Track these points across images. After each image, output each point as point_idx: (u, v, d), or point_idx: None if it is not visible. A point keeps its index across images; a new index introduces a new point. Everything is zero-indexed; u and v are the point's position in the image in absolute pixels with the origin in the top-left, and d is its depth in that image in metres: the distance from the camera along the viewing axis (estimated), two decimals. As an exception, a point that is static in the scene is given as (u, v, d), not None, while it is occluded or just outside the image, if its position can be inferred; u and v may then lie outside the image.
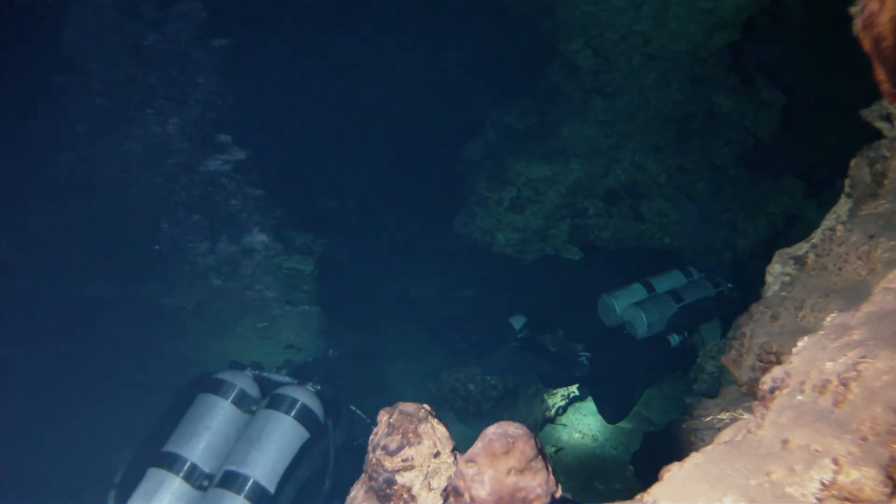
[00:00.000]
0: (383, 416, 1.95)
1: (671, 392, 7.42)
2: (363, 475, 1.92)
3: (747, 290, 6.92)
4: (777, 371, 1.58)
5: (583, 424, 7.54)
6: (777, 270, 2.93)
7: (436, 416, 1.97)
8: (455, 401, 7.48)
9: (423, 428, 1.86)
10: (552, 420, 7.60)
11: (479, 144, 8.95)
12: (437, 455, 1.85)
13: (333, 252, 9.05)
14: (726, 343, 2.42)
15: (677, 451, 2.45)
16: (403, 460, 1.84)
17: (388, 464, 1.83)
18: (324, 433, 4.02)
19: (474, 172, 8.87)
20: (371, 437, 1.94)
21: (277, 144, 8.24)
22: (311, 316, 8.55)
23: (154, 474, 3.70)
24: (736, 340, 2.32)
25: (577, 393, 7.64)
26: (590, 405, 7.72)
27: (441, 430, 1.90)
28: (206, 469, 3.76)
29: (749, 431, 1.51)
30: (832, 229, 2.45)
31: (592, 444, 7.25)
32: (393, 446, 1.85)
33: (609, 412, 6.74)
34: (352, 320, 8.65)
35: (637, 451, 2.71)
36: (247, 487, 3.63)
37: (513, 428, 1.56)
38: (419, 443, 1.83)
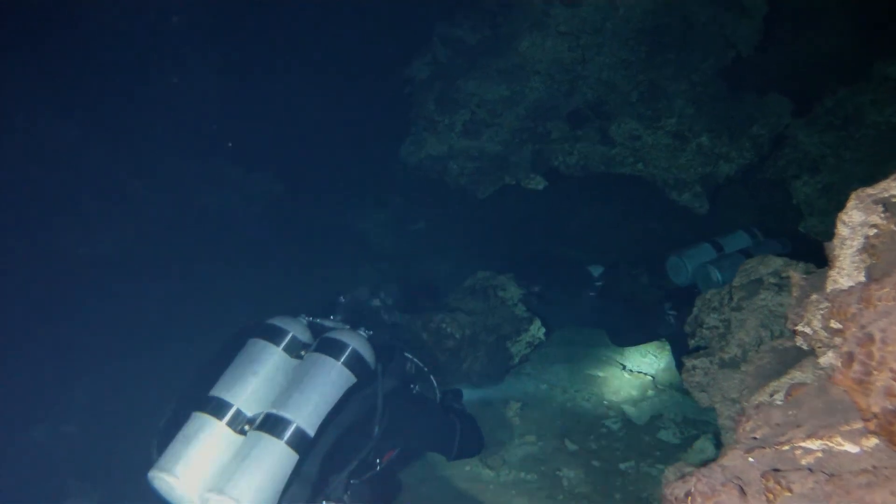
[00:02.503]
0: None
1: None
2: None
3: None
4: None
5: (549, 374, 6.83)
6: (857, 220, 2.08)
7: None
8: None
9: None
10: (516, 369, 6.87)
11: (426, 62, 8.04)
12: None
13: (270, 187, 8.28)
14: (843, 354, 1.58)
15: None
16: None
17: None
18: (372, 379, 3.86)
19: (421, 94, 7.97)
20: None
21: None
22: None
23: (197, 418, 3.59)
24: (860, 347, 1.49)
25: (542, 339, 6.93)
26: (556, 351, 7.04)
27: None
28: (250, 414, 3.63)
29: None
30: None
31: (562, 397, 6.52)
32: None
33: None
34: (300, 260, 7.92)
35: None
36: (287, 431, 3.48)
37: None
38: None
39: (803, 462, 1.71)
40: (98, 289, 6.97)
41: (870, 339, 1.48)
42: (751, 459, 1.79)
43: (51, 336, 6.47)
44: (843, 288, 2.04)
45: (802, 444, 1.74)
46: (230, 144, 7.84)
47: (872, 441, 1.63)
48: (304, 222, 8.23)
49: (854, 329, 1.54)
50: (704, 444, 5.40)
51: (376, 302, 4.85)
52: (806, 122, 6.87)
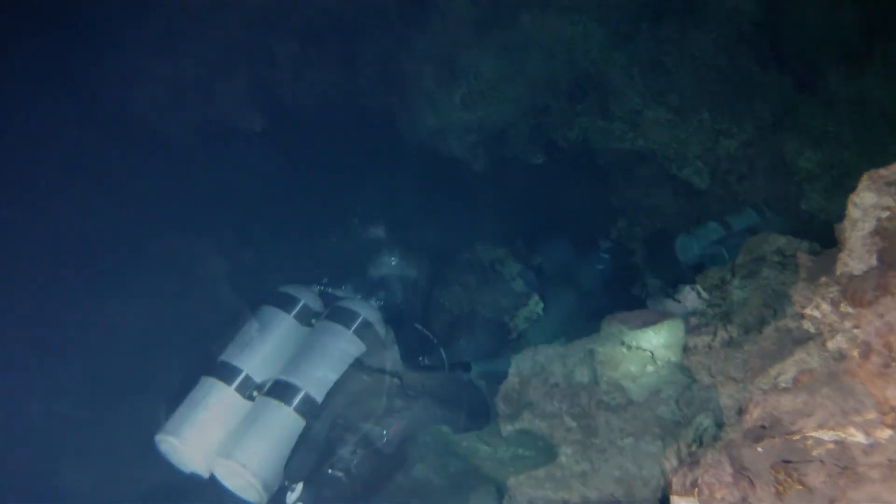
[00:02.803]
0: None
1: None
2: None
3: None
4: None
5: (547, 349, 6.74)
6: (868, 202, 2.03)
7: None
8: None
9: None
10: (514, 344, 6.82)
11: (424, 34, 7.94)
12: None
13: (267, 161, 8.19)
14: (859, 343, 1.53)
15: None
16: None
17: None
18: (382, 348, 3.96)
19: (419, 66, 7.88)
20: None
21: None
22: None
23: (205, 383, 3.70)
24: (878, 338, 1.44)
25: (540, 314, 6.89)
26: (554, 326, 6.99)
27: None
28: (259, 380, 3.70)
29: None
30: None
31: (560, 371, 6.47)
32: None
33: None
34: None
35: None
36: (296, 398, 3.58)
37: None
38: None
39: (814, 453, 1.67)
40: (95, 265, 6.91)
41: (889, 328, 1.43)
42: (759, 449, 1.74)
43: (44, 313, 6.41)
44: (855, 272, 1.99)
45: (813, 434, 1.69)
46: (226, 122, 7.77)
47: (887, 433, 1.59)
48: (300, 195, 8.15)
49: (871, 317, 1.49)
50: (703, 422, 5.36)
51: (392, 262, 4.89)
52: (808, 99, 6.80)
